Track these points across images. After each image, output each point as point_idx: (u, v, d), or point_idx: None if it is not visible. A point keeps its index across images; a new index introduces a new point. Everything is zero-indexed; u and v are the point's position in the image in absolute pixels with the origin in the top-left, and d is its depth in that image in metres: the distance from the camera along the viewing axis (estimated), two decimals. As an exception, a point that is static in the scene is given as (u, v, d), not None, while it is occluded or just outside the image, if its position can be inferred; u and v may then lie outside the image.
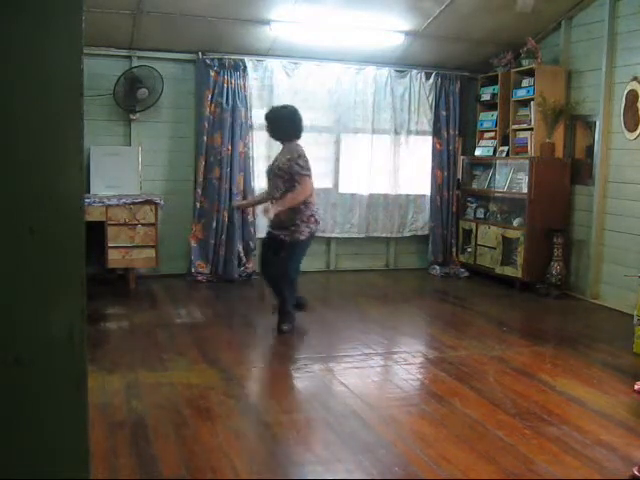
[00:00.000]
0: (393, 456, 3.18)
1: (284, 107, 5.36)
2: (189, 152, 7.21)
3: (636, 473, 2.98)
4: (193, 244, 7.09)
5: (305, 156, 5.12)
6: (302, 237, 5.10)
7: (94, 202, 6.28)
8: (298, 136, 5.23)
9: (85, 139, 1.09)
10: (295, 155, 5.08)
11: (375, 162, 7.69)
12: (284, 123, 5.20)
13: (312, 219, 5.15)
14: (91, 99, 6.50)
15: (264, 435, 3.35)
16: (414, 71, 7.70)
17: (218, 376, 4.20)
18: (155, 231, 6.52)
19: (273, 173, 5.20)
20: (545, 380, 4.27)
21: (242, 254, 7.18)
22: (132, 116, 6.92)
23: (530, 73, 7.00)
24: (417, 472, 3.01)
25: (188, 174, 7.20)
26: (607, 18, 6.32)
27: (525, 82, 7.07)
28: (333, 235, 7.68)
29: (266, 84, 7.23)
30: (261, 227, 7.36)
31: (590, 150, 6.68)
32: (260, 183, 7.35)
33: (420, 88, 7.73)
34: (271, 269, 5.27)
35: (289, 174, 5.06)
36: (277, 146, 7.25)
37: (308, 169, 5.07)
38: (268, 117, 5.29)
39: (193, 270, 7.07)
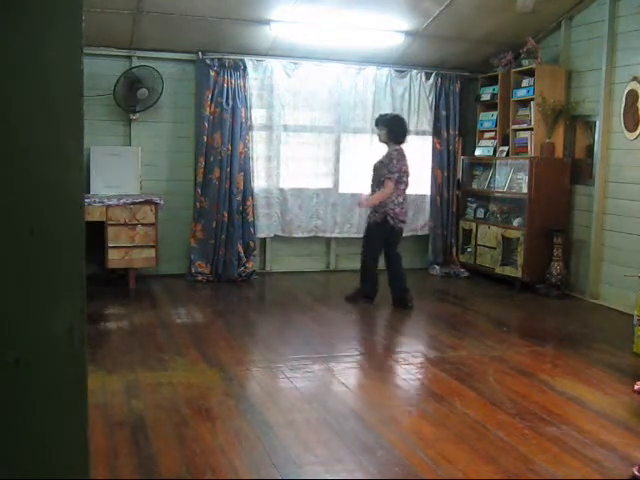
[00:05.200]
0: (393, 456, 3.18)
1: (387, 115, 6.28)
2: (189, 152, 7.21)
3: (636, 473, 2.98)
4: (193, 244, 7.09)
5: (398, 160, 5.93)
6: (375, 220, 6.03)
7: (94, 202, 6.28)
8: (397, 141, 6.03)
9: (85, 139, 1.09)
10: (387, 160, 5.98)
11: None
12: (385, 129, 6.04)
13: (385, 210, 5.94)
14: (91, 99, 6.50)
15: (264, 435, 3.35)
16: (414, 71, 7.70)
17: (218, 376, 4.20)
18: (155, 231, 6.52)
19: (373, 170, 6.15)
20: (545, 380, 4.27)
21: (242, 254, 7.18)
22: (132, 116, 6.92)
23: (530, 73, 7.00)
24: (417, 472, 3.01)
25: (188, 174, 7.20)
26: (607, 18, 6.32)
27: (525, 82, 7.07)
28: (333, 235, 7.68)
29: (266, 84, 7.23)
30: (261, 227, 7.39)
31: (590, 150, 6.68)
32: (260, 183, 7.37)
33: (420, 88, 7.73)
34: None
35: (377, 175, 6.03)
36: (276, 146, 7.33)
37: (393, 172, 5.90)
38: (376, 122, 6.21)
39: (193, 270, 7.07)
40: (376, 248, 6.16)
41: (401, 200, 6.00)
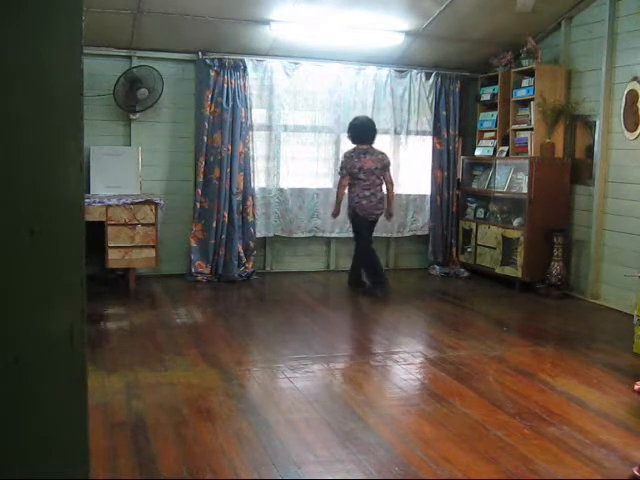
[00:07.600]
0: (393, 456, 3.18)
1: (355, 119, 6.83)
2: (189, 152, 7.20)
3: (636, 473, 2.98)
4: (193, 244, 7.09)
5: (347, 158, 6.54)
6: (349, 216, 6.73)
7: (94, 202, 6.28)
8: (354, 142, 6.63)
9: (85, 139, 1.09)
10: (342, 158, 6.72)
11: (375, 162, 7.69)
12: (350, 131, 6.71)
13: (352, 205, 6.58)
14: (91, 99, 6.50)
15: (264, 435, 3.35)
16: (414, 71, 7.70)
17: (218, 376, 4.20)
18: (155, 231, 6.52)
19: None
20: (545, 380, 4.27)
21: (242, 254, 7.18)
22: (132, 116, 6.92)
23: (530, 73, 7.00)
24: (417, 472, 3.01)
25: (188, 174, 7.20)
26: (607, 18, 6.32)
27: (525, 82, 7.07)
28: (333, 235, 7.68)
29: (266, 84, 7.23)
30: (261, 227, 7.39)
31: (590, 150, 6.68)
32: (259, 182, 7.38)
33: (420, 88, 7.73)
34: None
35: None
36: (276, 146, 7.33)
37: (341, 168, 6.62)
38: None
39: (193, 270, 7.07)
40: (359, 238, 6.68)
41: (367, 194, 6.52)
